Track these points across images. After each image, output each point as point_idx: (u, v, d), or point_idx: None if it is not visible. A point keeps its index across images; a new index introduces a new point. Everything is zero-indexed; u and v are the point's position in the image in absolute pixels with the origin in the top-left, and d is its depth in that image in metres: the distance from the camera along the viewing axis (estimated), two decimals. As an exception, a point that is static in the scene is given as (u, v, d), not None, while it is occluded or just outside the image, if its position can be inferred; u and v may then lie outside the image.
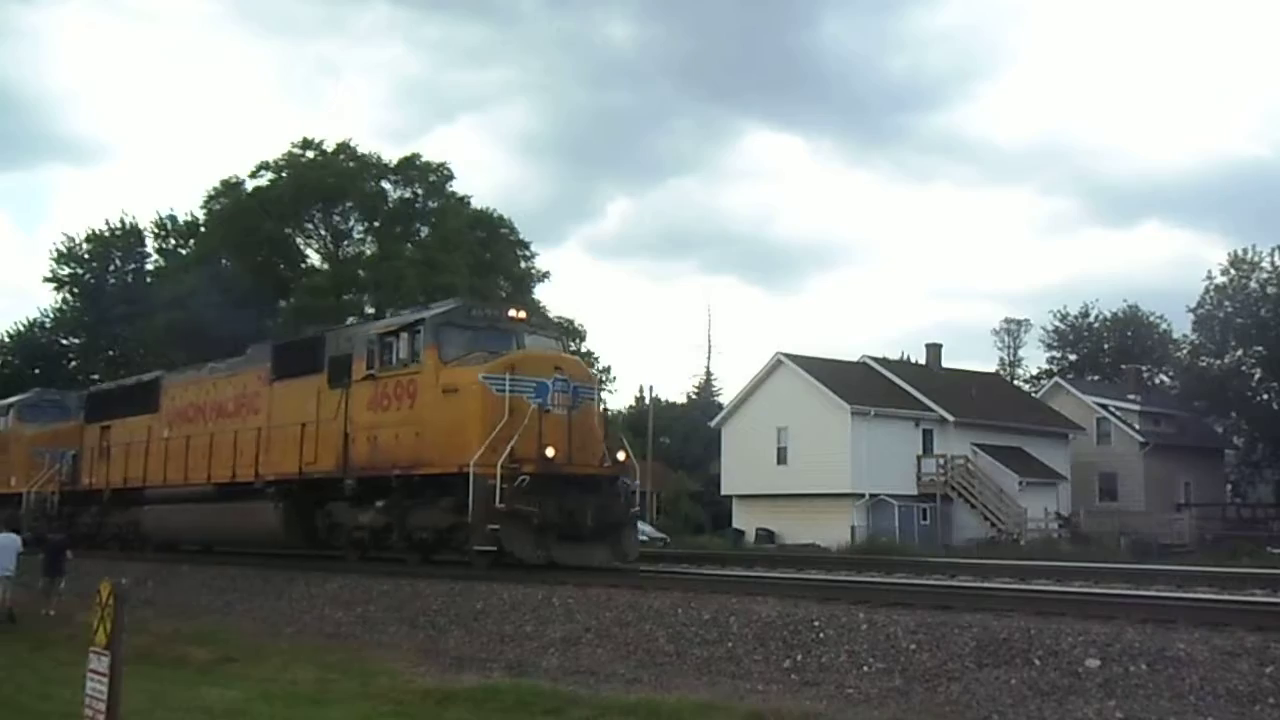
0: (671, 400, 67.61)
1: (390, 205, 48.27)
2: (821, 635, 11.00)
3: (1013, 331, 73.65)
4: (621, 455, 17.20)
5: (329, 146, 47.27)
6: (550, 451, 15.98)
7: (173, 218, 54.95)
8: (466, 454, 15.73)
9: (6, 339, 56.82)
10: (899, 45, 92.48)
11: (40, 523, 27.77)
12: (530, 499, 15.55)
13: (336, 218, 48.31)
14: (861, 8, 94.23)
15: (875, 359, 47.68)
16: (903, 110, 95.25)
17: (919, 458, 41.69)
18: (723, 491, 45.58)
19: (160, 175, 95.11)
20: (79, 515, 27.32)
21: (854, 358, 47.30)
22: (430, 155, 57.26)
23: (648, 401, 54.52)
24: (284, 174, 46.54)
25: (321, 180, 45.77)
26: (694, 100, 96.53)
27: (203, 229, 50.33)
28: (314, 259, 49.58)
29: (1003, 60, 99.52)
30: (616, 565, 16.49)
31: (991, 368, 66.47)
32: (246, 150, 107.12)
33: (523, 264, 50.06)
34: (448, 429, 16.58)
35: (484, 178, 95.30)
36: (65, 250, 55.51)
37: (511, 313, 18.69)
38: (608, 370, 58.81)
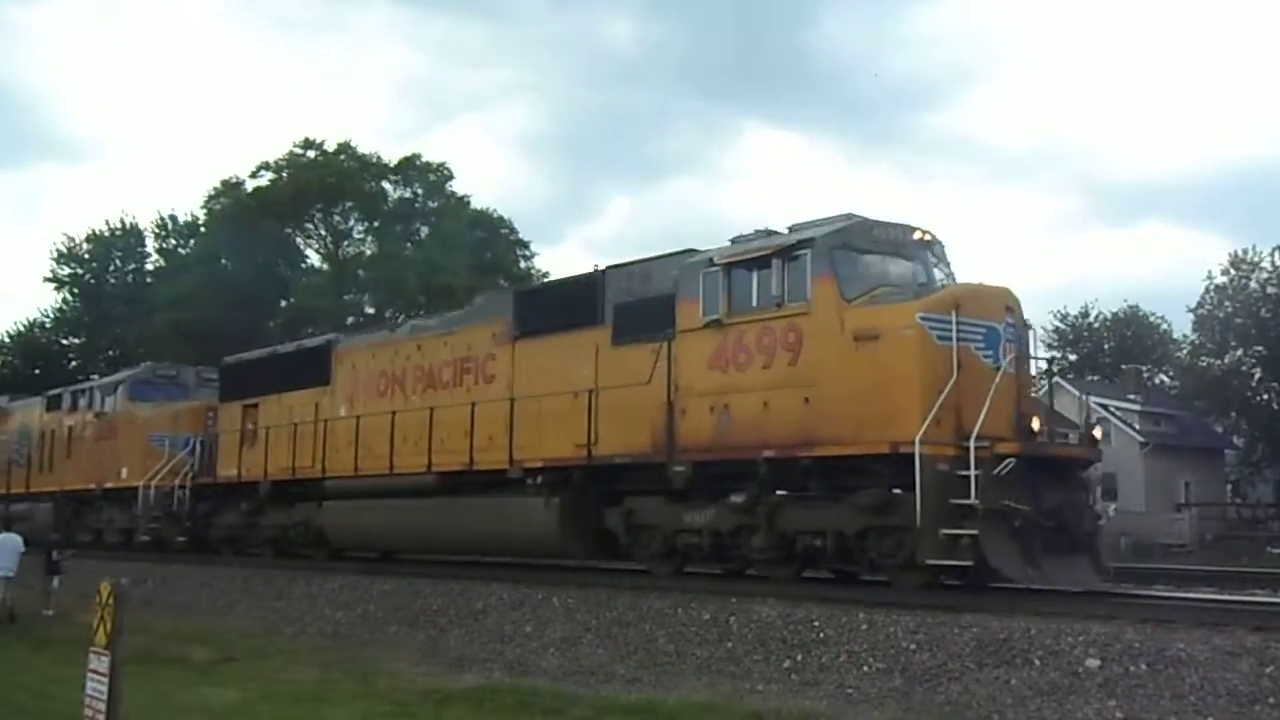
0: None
1: (390, 205, 48.28)
2: (821, 635, 11.00)
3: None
4: (1097, 432, 13.54)
5: (329, 146, 47.29)
6: (1035, 424, 12.09)
7: (173, 218, 54.96)
8: (902, 427, 11.40)
9: (6, 339, 56.81)
10: (900, 45, 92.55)
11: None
12: (1015, 492, 11.27)
13: (336, 218, 48.34)
14: (863, 7, 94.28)
15: None
16: (903, 110, 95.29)
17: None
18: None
19: (160, 175, 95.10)
20: (218, 514, 22.83)
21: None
22: (431, 155, 57.32)
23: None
24: (284, 174, 46.55)
25: (321, 180, 45.78)
26: (695, 99, 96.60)
27: (203, 229, 50.33)
28: (314, 259, 49.63)
29: (1003, 60, 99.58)
30: (1095, 588, 12.13)
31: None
32: (246, 150, 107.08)
33: (523, 263, 50.05)
34: (864, 392, 11.95)
35: (484, 177, 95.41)
36: (65, 250, 55.52)
37: (917, 234, 13.61)
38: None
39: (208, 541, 23.15)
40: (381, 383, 18.70)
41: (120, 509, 25.43)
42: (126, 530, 25.35)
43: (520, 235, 50.87)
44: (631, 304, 14.63)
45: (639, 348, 14.16)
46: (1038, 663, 9.42)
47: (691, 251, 14.43)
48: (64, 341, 56.71)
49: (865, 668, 10.29)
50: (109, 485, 25.63)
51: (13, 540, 18.82)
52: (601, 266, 15.86)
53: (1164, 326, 63.87)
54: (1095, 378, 60.92)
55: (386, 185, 48.39)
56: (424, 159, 48.59)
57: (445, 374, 17.36)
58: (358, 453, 18.45)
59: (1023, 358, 12.71)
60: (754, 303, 13.05)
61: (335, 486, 19.08)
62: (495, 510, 15.88)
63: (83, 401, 28.16)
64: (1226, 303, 49.26)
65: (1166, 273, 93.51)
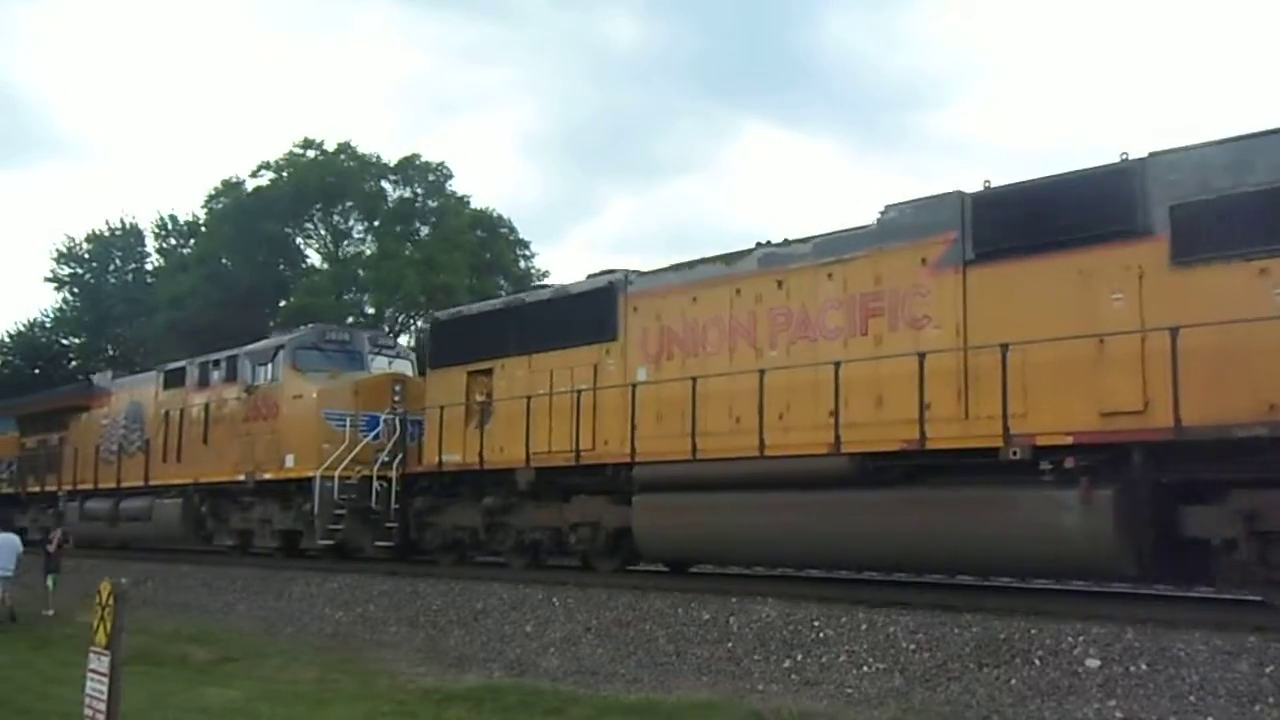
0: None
1: (390, 205, 48.27)
2: (821, 635, 11.01)
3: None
4: None
5: (330, 146, 47.28)
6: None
7: (173, 218, 54.91)
8: None
9: (6, 339, 56.80)
10: (901, 44, 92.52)
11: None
12: None
13: (336, 218, 48.31)
14: (865, 6, 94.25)
15: None
16: (904, 109, 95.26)
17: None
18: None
19: (160, 175, 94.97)
20: (439, 512, 17.62)
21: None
22: (432, 154, 57.34)
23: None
24: (284, 174, 46.53)
25: (321, 180, 45.77)
26: (696, 99, 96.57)
27: (203, 229, 50.30)
28: (314, 259, 49.58)
29: (1004, 59, 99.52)
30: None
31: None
32: (246, 150, 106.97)
33: (522, 263, 50.03)
34: None
35: (485, 177, 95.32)
36: (65, 250, 55.47)
37: None
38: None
39: (420, 548, 18.20)
40: (714, 334, 14.09)
41: (280, 505, 20.53)
42: (290, 533, 20.75)
43: (520, 235, 50.86)
44: (1213, 203, 10.23)
45: (1234, 267, 9.98)
46: (1038, 663, 9.43)
47: None
48: (64, 341, 56.68)
49: (865, 668, 10.30)
50: (266, 476, 20.53)
51: (11, 540, 18.83)
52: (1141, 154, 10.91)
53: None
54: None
55: (386, 185, 48.39)
56: (423, 159, 48.60)
57: (831, 318, 12.92)
58: (694, 429, 13.72)
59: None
60: None
61: (654, 475, 14.14)
62: (973, 509, 11.29)
63: (217, 374, 22.96)
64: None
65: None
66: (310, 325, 22.96)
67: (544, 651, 12.76)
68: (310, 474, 18.94)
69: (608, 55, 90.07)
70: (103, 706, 6.28)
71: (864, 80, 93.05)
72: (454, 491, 17.44)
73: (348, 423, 19.26)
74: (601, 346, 15.36)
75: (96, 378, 28.96)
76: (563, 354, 15.85)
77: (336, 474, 18.58)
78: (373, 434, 19.08)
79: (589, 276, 16.23)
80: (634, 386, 14.67)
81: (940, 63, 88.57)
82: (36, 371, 51.44)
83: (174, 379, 24.54)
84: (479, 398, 17.08)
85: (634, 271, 15.58)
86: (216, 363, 23.29)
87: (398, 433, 18.80)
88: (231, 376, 22.34)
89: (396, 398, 19.47)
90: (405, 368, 21.66)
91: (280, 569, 19.82)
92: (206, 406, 22.87)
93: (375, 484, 18.31)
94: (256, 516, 21.40)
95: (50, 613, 18.60)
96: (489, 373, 17.01)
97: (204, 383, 23.33)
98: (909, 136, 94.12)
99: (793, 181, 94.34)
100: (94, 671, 6.44)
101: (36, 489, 29.08)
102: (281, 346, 21.21)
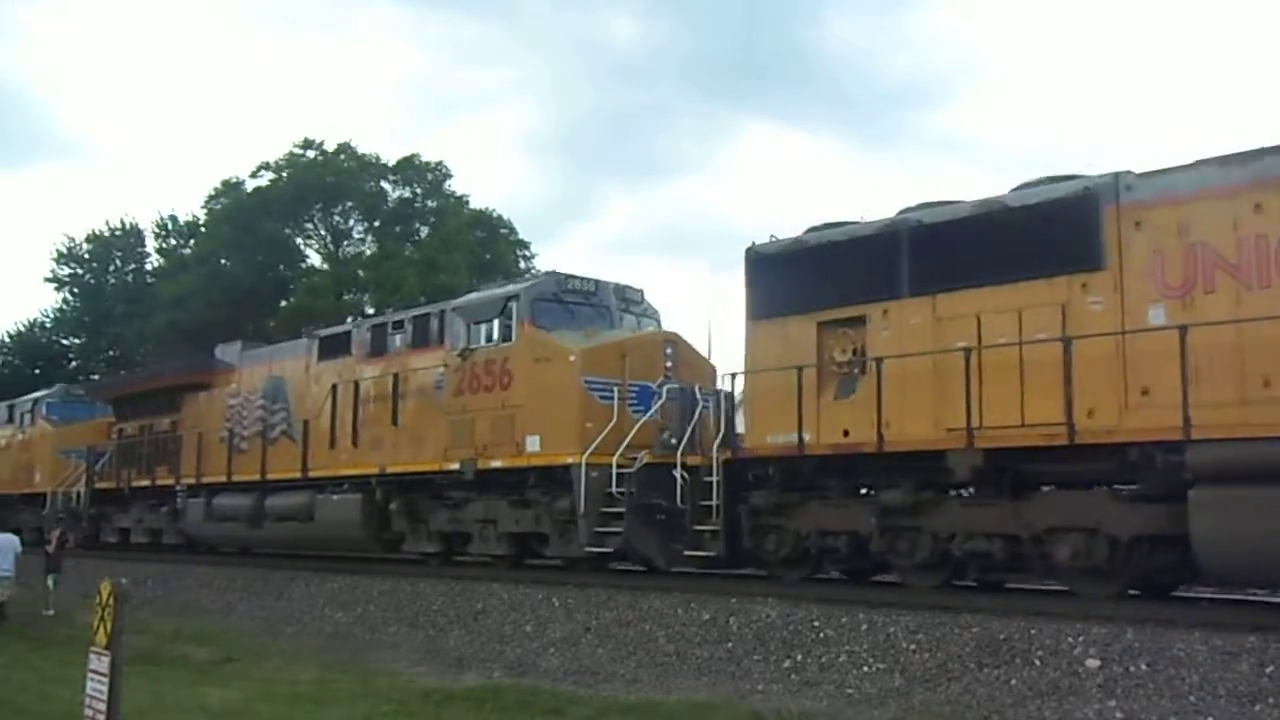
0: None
1: (389, 205, 48.29)
2: (821, 635, 11.02)
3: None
4: None
5: (330, 146, 47.29)
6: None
7: (173, 218, 54.93)
8: None
9: (6, 339, 56.82)
10: (901, 43, 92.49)
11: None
12: None
13: (336, 218, 48.31)
14: (866, 4, 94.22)
15: None
16: (905, 108, 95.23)
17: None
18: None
19: (160, 175, 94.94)
20: (798, 511, 12.92)
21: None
22: (433, 154, 57.31)
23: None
24: (284, 174, 46.54)
25: (321, 180, 45.78)
26: (696, 98, 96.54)
27: (203, 229, 50.30)
28: (314, 259, 49.57)
29: (1007, 59, 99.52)
30: None
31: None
32: (246, 150, 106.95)
33: (523, 264, 50.07)
34: None
35: (485, 177, 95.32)
36: (65, 250, 55.50)
37: None
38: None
39: (756, 558, 13.50)
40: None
41: (512, 502, 16.10)
42: (524, 537, 16.29)
43: (520, 235, 50.88)
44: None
45: None
46: (1038, 663, 9.43)
47: None
48: (64, 341, 56.70)
49: (865, 668, 10.30)
50: (495, 464, 16.02)
51: (9, 540, 18.80)
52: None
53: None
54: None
55: (386, 185, 48.41)
56: (422, 158, 48.63)
57: None
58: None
59: None
60: None
61: (1240, 458, 9.52)
62: None
63: (401, 338, 18.47)
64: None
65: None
66: (545, 271, 18.02)
67: (544, 651, 12.76)
68: (568, 460, 14.68)
69: (608, 55, 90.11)
70: (103, 706, 6.28)
71: (865, 79, 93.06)
72: (813, 484, 12.84)
73: (615, 394, 15.01)
74: (1073, 279, 11.06)
75: (220, 349, 24.03)
76: (999, 291, 11.51)
77: (615, 460, 14.31)
78: (649, 410, 15.07)
79: (1037, 183, 11.86)
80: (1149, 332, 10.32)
81: (941, 62, 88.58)
82: (36, 371, 51.44)
83: (334, 346, 20.02)
84: (839, 356, 12.69)
85: (1127, 172, 11.07)
86: (398, 324, 18.69)
87: (702, 406, 14.91)
88: (424, 340, 17.87)
89: (669, 364, 15.67)
90: (653, 329, 17.23)
91: (280, 569, 19.83)
92: (395, 378, 18.01)
93: (678, 474, 14.16)
94: (474, 516, 16.58)
95: (50, 613, 18.60)
96: (857, 322, 12.54)
97: (380, 349, 18.80)
98: (910, 135, 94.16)
99: (794, 181, 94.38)
100: (94, 671, 6.44)
101: (146, 483, 24.84)
102: (514, 298, 16.26)
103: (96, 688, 6.38)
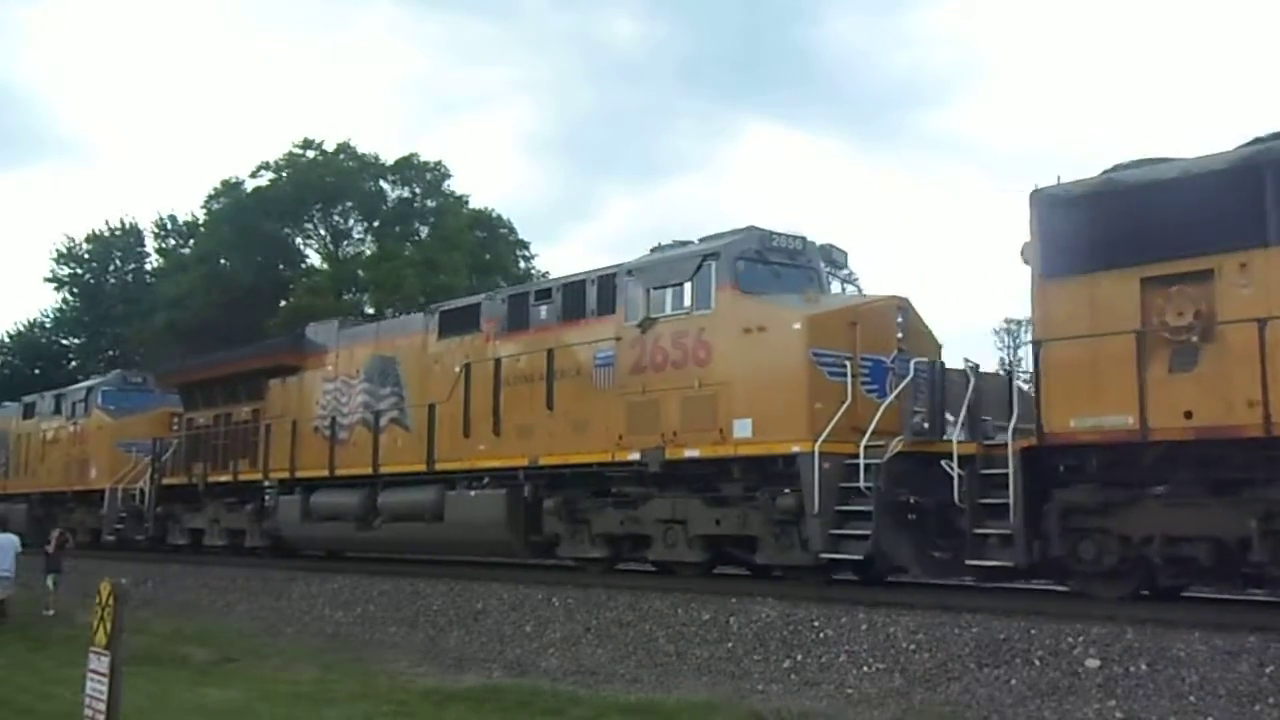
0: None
1: (389, 205, 48.32)
2: (821, 635, 11.01)
3: (1013, 332, 73.51)
4: None
5: (329, 146, 47.32)
6: None
7: (173, 218, 54.98)
8: None
9: (6, 339, 56.85)
10: (902, 42, 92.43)
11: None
12: None
13: (336, 218, 48.34)
14: (866, 3, 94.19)
15: None
16: (906, 107, 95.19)
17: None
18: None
19: (160, 175, 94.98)
20: (1129, 511, 10.38)
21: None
22: (433, 154, 57.41)
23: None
24: (284, 174, 46.56)
25: (321, 180, 45.81)
26: (696, 98, 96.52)
27: (202, 229, 50.33)
28: (314, 259, 49.61)
29: (1007, 59, 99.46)
30: None
31: (991, 368, 66.23)
32: (246, 150, 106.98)
33: (523, 264, 50.06)
34: None
35: (486, 177, 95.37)
36: (65, 250, 55.53)
37: None
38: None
39: (1067, 568, 10.96)
40: None
41: (708, 500, 13.61)
42: (723, 539, 13.77)
43: (520, 235, 50.92)
44: None
45: None
46: (1038, 663, 9.43)
47: None
48: (64, 341, 56.73)
49: (865, 668, 10.30)
50: (690, 453, 13.50)
51: (10, 540, 18.80)
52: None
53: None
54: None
55: (385, 185, 48.44)
56: (421, 158, 48.66)
57: None
58: None
59: None
60: None
61: None
62: None
63: (548, 310, 15.97)
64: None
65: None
66: (745, 228, 14.38)
67: (544, 651, 12.76)
68: (794, 448, 12.28)
69: (608, 55, 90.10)
70: (103, 707, 6.28)
71: (865, 79, 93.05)
72: (1145, 479, 10.42)
73: (847, 370, 12.57)
74: None
75: (312, 328, 21.64)
76: None
77: (862, 447, 11.92)
78: (884, 389, 12.79)
79: None
80: None
81: (941, 61, 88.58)
82: (36, 371, 51.45)
83: (460, 321, 17.49)
84: (1173, 320, 10.27)
85: None
86: (543, 294, 16.35)
87: (973, 383, 12.18)
88: (579, 310, 15.32)
89: (900, 334, 13.27)
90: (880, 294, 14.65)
91: (280, 569, 19.82)
92: (549, 355, 15.41)
93: (951, 466, 11.33)
94: (656, 515, 14.03)
95: (50, 613, 18.60)
96: (1200, 277, 10.14)
97: (520, 323, 16.32)
98: (910, 135, 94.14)
99: (794, 180, 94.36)
100: (94, 671, 6.44)
101: (224, 478, 22.20)
102: (711, 257, 13.69)
103: (96, 688, 6.38)
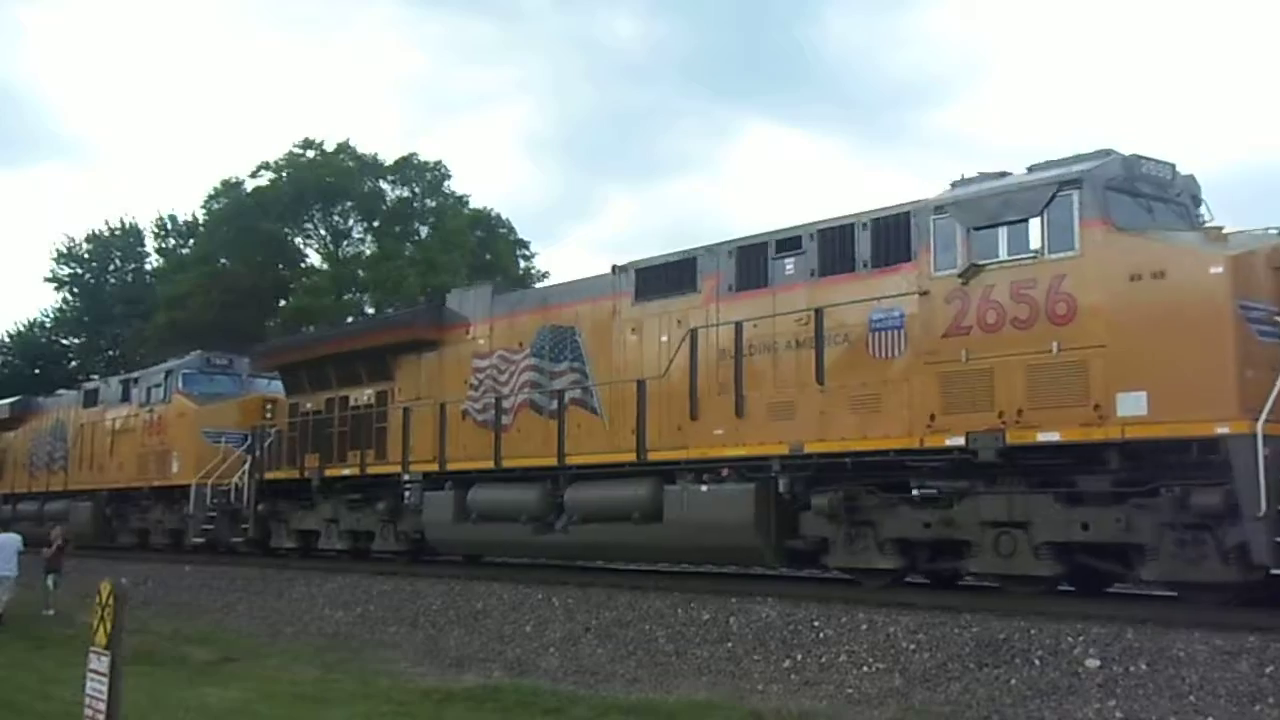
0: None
1: (388, 205, 48.34)
2: (821, 635, 11.01)
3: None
4: None
5: (329, 146, 47.32)
6: None
7: (173, 218, 54.99)
8: None
9: (6, 339, 56.86)
10: (903, 42, 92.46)
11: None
12: None
13: (336, 218, 48.35)
14: (866, 3, 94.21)
15: None
16: (907, 107, 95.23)
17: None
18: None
19: (160, 175, 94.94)
20: None
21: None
22: (433, 154, 57.43)
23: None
24: (283, 174, 46.57)
25: (320, 180, 45.82)
26: (697, 97, 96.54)
27: (202, 229, 50.34)
28: (314, 259, 49.62)
29: (1010, 57, 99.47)
30: None
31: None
32: (246, 150, 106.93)
33: (522, 264, 50.08)
34: None
35: (486, 177, 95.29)
36: (65, 250, 55.53)
37: None
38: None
39: None
40: None
41: (1059, 494, 10.78)
42: (1076, 548, 10.77)
43: (520, 235, 50.94)
44: None
45: None
46: (1038, 663, 9.43)
47: None
48: (64, 341, 56.73)
49: (865, 668, 10.29)
50: (1049, 437, 10.58)
51: (12, 540, 18.79)
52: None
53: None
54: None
55: (384, 185, 48.46)
56: (420, 158, 48.68)
57: None
58: None
59: None
60: None
61: None
62: None
63: (796, 264, 13.13)
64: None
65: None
66: (1103, 150, 11.33)
67: (544, 651, 12.76)
68: (1219, 429, 9.48)
69: (608, 54, 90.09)
70: (103, 706, 6.28)
71: (866, 78, 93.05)
72: None
73: None
74: None
75: (455, 296, 18.60)
76: None
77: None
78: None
79: None
80: None
81: (942, 60, 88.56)
82: (36, 372, 51.45)
83: (667, 280, 14.55)
84: None
85: None
86: (788, 243, 13.19)
87: None
88: (848, 261, 12.49)
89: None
90: None
91: (280, 569, 19.81)
92: (817, 317, 12.45)
93: None
94: (983, 516, 11.14)
95: (50, 613, 18.60)
96: None
97: (756, 280, 13.37)
98: (911, 135, 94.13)
99: (795, 180, 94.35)
100: (94, 671, 6.44)
101: (348, 472, 19.13)
102: (1070, 185, 10.71)
103: (96, 688, 6.38)
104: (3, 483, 31.77)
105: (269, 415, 22.00)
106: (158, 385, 25.22)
